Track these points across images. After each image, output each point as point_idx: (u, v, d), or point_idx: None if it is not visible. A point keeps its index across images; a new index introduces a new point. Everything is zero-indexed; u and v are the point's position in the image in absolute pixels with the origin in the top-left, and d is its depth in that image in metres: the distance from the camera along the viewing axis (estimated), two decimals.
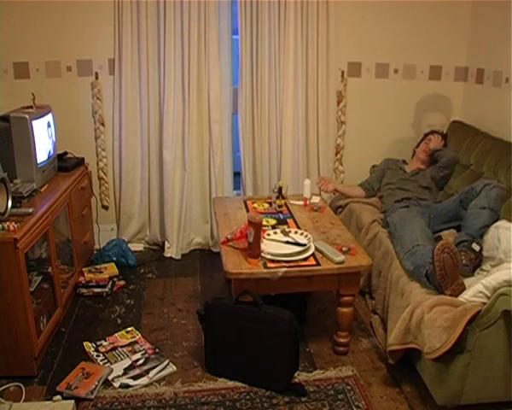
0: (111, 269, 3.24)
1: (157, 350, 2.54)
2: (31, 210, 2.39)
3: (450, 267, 2.16)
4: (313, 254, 2.42)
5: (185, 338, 2.66)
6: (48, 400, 2.18)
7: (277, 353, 2.24)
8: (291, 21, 3.35)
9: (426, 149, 3.34)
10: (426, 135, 3.46)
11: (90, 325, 2.78)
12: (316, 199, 3.13)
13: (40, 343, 2.38)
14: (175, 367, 2.42)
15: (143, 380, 2.33)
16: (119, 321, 2.81)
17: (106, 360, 2.45)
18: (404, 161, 3.47)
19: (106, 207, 3.67)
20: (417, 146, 3.46)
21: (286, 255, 2.36)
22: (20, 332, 2.25)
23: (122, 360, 2.46)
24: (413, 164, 3.39)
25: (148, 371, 2.38)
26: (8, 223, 2.21)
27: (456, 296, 2.15)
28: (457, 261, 2.20)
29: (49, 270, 2.62)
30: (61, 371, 2.37)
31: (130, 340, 2.62)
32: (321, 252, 2.43)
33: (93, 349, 2.54)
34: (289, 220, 2.85)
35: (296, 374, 2.36)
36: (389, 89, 3.68)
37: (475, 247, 2.38)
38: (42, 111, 2.86)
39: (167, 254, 3.60)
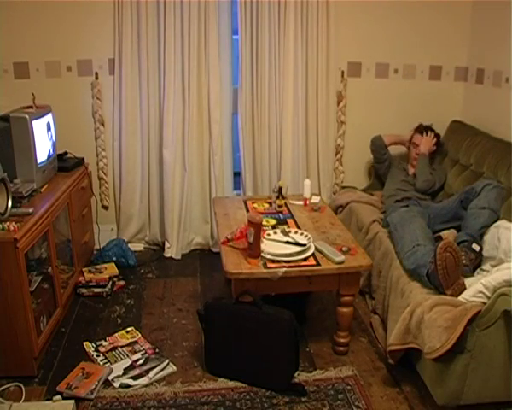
0: (111, 269, 3.24)
1: (157, 350, 2.54)
2: (31, 210, 2.39)
3: (452, 266, 2.16)
4: (313, 255, 2.42)
5: (185, 338, 2.66)
6: (48, 400, 2.18)
7: (277, 353, 2.24)
8: (291, 21, 3.34)
9: (415, 157, 3.32)
10: (415, 131, 3.41)
11: (90, 325, 2.78)
12: (316, 199, 3.14)
13: (40, 343, 2.38)
14: (175, 367, 2.42)
15: (143, 380, 2.33)
16: (119, 321, 2.81)
17: (106, 360, 2.45)
18: (406, 165, 3.45)
19: (106, 208, 3.67)
20: (410, 141, 3.42)
21: (286, 255, 2.36)
22: (20, 332, 2.25)
23: (122, 360, 2.46)
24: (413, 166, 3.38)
25: (148, 371, 2.38)
26: (8, 223, 2.21)
27: (457, 296, 2.15)
28: (459, 261, 2.19)
29: (49, 270, 2.62)
30: (61, 371, 2.37)
31: (130, 340, 2.62)
32: (321, 252, 2.43)
33: (93, 349, 2.54)
34: (289, 220, 2.85)
35: (296, 374, 2.36)
36: (389, 89, 3.67)
37: (475, 247, 2.38)
38: (42, 111, 2.86)
39: (167, 254, 3.59)
